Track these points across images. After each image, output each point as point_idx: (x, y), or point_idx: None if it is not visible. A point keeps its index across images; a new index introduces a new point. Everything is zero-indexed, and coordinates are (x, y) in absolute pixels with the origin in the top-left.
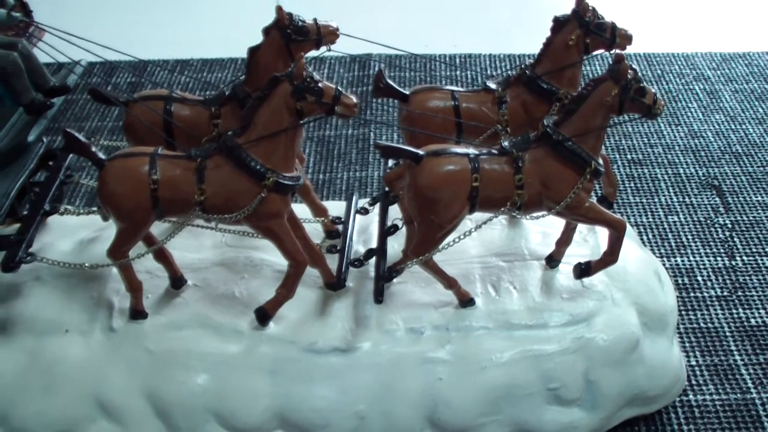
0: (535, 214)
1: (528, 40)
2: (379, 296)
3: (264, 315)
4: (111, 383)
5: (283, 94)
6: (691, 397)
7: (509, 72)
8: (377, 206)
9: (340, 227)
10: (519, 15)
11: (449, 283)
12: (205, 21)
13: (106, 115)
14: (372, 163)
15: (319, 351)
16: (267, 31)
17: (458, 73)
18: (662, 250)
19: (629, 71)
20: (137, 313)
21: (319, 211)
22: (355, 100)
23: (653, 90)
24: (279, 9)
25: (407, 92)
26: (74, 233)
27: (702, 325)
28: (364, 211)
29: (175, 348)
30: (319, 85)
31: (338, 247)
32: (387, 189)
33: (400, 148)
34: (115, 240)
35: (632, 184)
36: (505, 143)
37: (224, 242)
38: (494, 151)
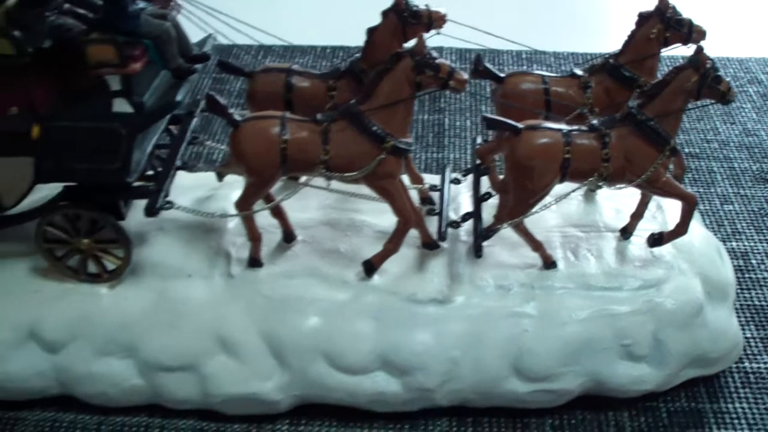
0: (617, 186)
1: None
2: (478, 252)
3: (371, 267)
4: (230, 323)
5: (404, 68)
6: (746, 364)
7: (593, 62)
8: (465, 178)
9: (433, 195)
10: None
11: (536, 245)
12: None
13: (221, 90)
14: (447, 146)
15: (418, 301)
16: (385, 13)
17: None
18: (719, 235)
19: (707, 61)
20: (254, 262)
21: (415, 179)
22: (465, 76)
23: (727, 79)
24: None
25: (502, 75)
26: (190, 192)
27: (756, 302)
28: (456, 181)
29: (288, 294)
30: (437, 61)
31: (436, 211)
32: (478, 162)
33: (503, 120)
34: (243, 193)
35: (690, 176)
36: (594, 121)
37: (328, 204)
38: (584, 128)
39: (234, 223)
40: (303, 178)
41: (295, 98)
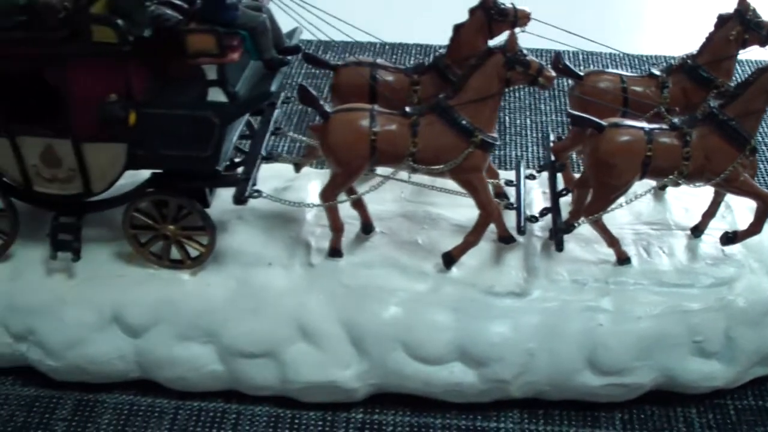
0: (695, 184)
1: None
2: (560, 246)
3: (450, 259)
4: (310, 311)
5: (496, 64)
6: None
7: (671, 61)
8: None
9: (507, 190)
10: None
11: (612, 241)
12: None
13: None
14: (509, 144)
15: (496, 294)
16: (473, 11)
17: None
18: None
19: None
20: (335, 252)
21: (492, 174)
22: (553, 74)
23: None
24: None
25: (581, 73)
26: (267, 182)
27: None
28: (531, 177)
29: (368, 284)
30: (528, 58)
31: (513, 205)
32: (553, 158)
33: (588, 118)
34: (328, 184)
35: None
36: (675, 120)
37: (403, 197)
38: (665, 127)
39: (312, 214)
40: (378, 170)
41: (380, 92)
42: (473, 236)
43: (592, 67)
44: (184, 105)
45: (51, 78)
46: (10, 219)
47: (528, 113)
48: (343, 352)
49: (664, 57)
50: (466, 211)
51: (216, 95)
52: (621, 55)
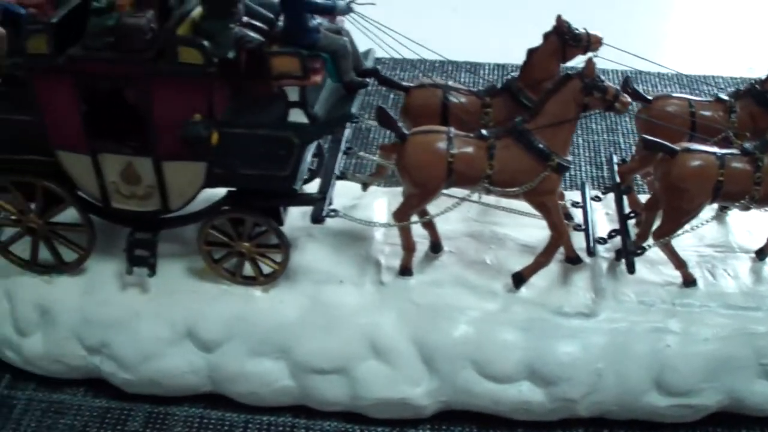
0: (766, 209)
1: None
2: (631, 268)
3: (520, 279)
4: (382, 328)
5: (573, 89)
6: None
7: (739, 86)
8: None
9: (572, 211)
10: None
11: (679, 264)
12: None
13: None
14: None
15: (565, 314)
16: (546, 35)
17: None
18: None
19: None
20: (406, 270)
21: (558, 196)
22: (629, 99)
23: None
24: (559, 18)
25: (649, 97)
26: (334, 200)
27: None
28: (597, 199)
29: (438, 302)
30: (605, 84)
31: (580, 227)
32: (619, 181)
33: (661, 142)
34: (403, 204)
35: None
36: (746, 145)
37: (469, 216)
38: (737, 152)
39: (381, 232)
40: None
41: (451, 114)
42: (544, 257)
43: (644, 87)
44: (264, 125)
45: (134, 97)
46: (88, 234)
47: (579, 132)
48: (414, 370)
49: (717, 77)
50: (532, 231)
51: (295, 116)
52: (673, 74)
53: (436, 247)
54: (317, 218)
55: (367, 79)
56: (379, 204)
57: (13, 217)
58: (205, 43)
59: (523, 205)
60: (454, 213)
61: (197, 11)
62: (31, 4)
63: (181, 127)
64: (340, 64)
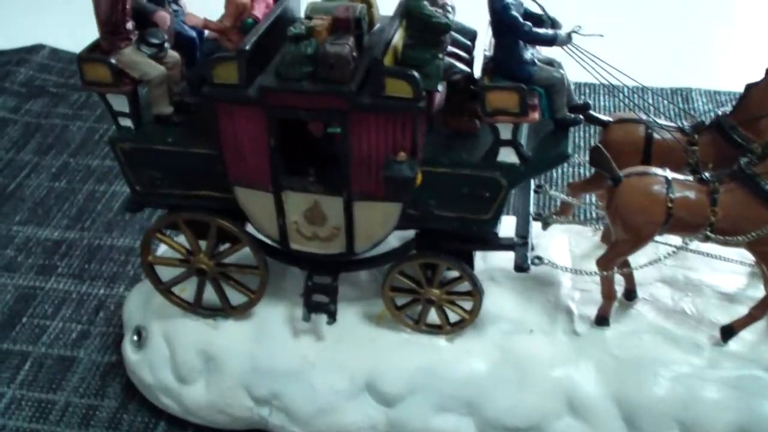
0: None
1: None
2: None
3: (730, 332)
4: (578, 383)
5: None
6: None
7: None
8: None
9: None
10: None
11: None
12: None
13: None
14: None
15: None
16: None
17: None
18: None
19: None
20: (603, 320)
21: None
22: None
23: None
24: None
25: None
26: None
27: None
28: None
29: (639, 355)
30: None
31: None
32: None
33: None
34: (610, 251)
35: None
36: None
37: (662, 260)
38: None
39: (568, 277)
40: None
41: (654, 151)
42: (759, 310)
43: None
44: (471, 164)
45: (319, 130)
46: (262, 277)
47: None
48: (614, 429)
49: None
50: (727, 277)
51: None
52: None
53: (630, 295)
54: (522, 266)
55: (580, 116)
56: (558, 243)
57: (180, 257)
58: (416, 74)
59: (714, 246)
60: (638, 257)
61: (398, 38)
62: (216, 29)
63: (380, 165)
64: (554, 99)
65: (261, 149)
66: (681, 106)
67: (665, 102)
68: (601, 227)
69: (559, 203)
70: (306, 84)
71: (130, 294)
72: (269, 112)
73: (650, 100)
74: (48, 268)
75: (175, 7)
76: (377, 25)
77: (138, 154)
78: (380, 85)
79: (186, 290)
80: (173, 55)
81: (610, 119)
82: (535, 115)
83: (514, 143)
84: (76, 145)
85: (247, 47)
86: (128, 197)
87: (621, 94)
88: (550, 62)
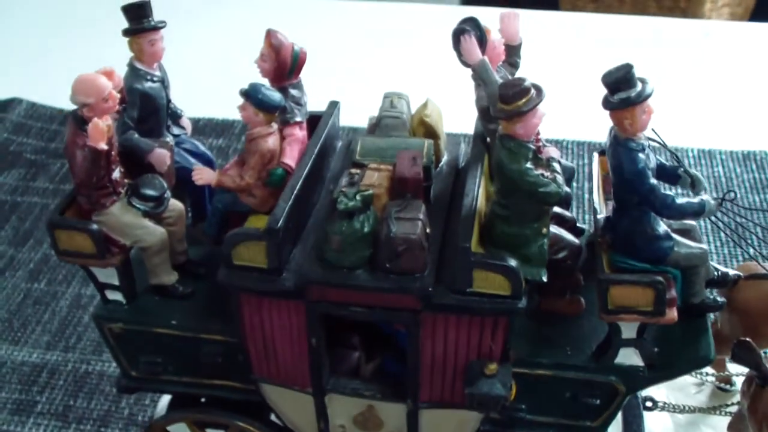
0: None
1: None
2: None
3: None
4: None
5: None
6: None
7: None
8: None
9: None
10: None
11: None
12: None
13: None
14: None
15: None
16: None
17: None
18: None
19: None
20: None
21: None
22: None
23: None
24: None
25: None
26: None
27: None
28: None
29: None
30: None
31: None
32: None
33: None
34: None
35: None
36: None
37: None
38: None
39: None
40: None
41: None
42: None
43: None
44: (579, 367)
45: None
46: None
47: None
48: None
49: None
50: None
51: None
52: None
53: None
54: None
55: (723, 300)
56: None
57: None
58: (514, 265)
59: None
60: None
61: (481, 197)
62: (236, 188)
63: (459, 370)
64: (692, 281)
65: (298, 348)
66: None
67: None
68: (706, 383)
69: None
70: (363, 276)
71: None
72: (311, 307)
73: None
74: (25, 405)
75: (176, 131)
76: (444, 157)
77: (132, 337)
78: (466, 280)
79: None
80: (175, 205)
81: (739, 273)
82: (674, 314)
83: (638, 344)
84: None
85: (279, 224)
86: (121, 377)
87: None
88: (687, 230)
